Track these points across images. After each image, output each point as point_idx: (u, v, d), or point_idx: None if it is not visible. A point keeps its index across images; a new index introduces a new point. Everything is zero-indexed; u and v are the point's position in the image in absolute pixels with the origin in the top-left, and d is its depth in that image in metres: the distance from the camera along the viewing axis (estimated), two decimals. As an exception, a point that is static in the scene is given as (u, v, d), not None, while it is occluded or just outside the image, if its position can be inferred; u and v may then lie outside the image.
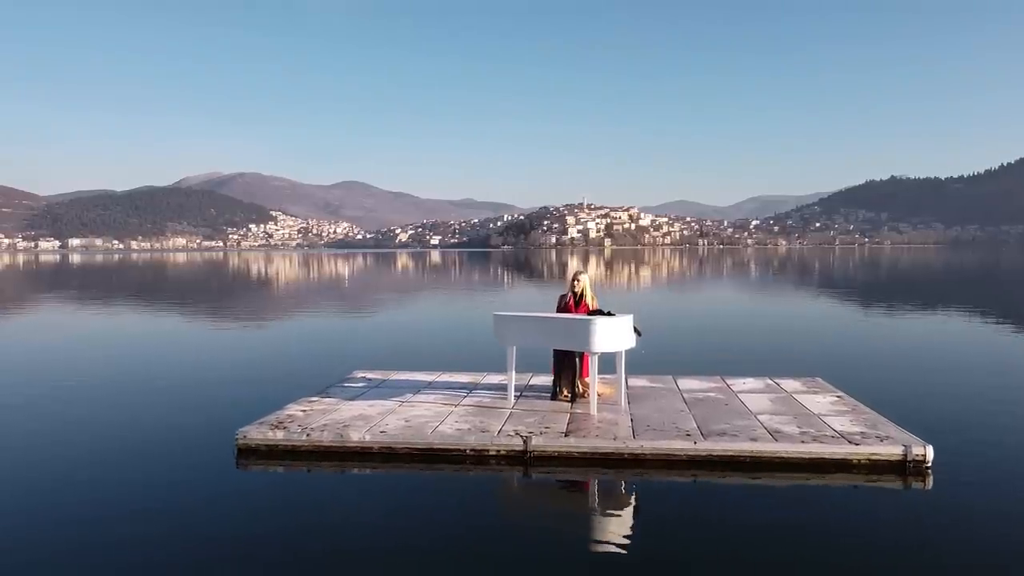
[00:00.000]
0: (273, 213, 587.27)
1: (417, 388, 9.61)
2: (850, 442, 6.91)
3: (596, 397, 8.18)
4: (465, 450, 7.16)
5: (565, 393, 8.87)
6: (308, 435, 7.37)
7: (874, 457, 6.75)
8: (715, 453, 6.88)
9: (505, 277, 58.40)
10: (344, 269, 77.03)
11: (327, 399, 8.94)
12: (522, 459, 7.07)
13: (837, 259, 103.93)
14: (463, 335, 18.78)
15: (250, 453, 7.40)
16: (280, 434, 7.41)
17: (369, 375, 10.55)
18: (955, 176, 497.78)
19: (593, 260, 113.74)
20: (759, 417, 7.86)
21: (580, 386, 8.79)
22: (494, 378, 10.02)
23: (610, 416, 7.96)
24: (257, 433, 7.45)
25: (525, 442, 7.08)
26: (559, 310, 8.99)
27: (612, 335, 7.91)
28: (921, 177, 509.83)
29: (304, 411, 8.27)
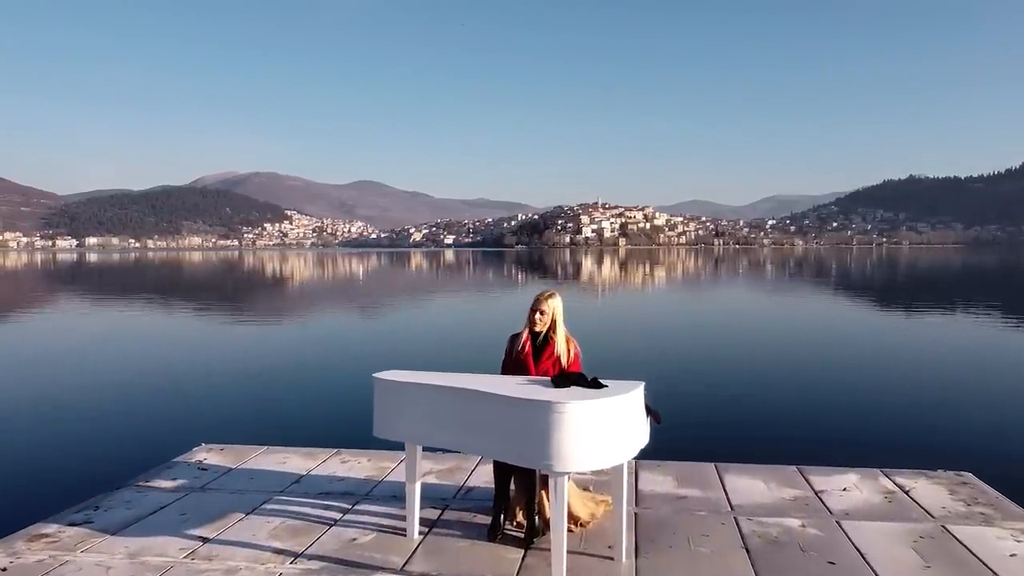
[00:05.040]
0: (288, 212, 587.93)
1: (267, 493, 5.46)
2: None
3: (564, 547, 3.94)
4: None
5: (519, 520, 4.71)
6: None
7: None
8: None
9: (519, 278, 54.33)
10: (357, 269, 73.40)
11: (75, 528, 4.80)
12: None
13: (864, 260, 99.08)
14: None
15: None
16: None
17: (212, 458, 6.41)
18: (975, 175, 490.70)
19: (607, 260, 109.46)
20: (918, 615, 3.63)
21: (544, 510, 4.61)
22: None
23: (595, 610, 3.75)
24: None
25: None
26: (509, 364, 4.78)
27: (601, 436, 3.71)
28: (940, 176, 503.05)
29: (9, 566, 4.14)
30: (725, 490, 5.46)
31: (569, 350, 4.67)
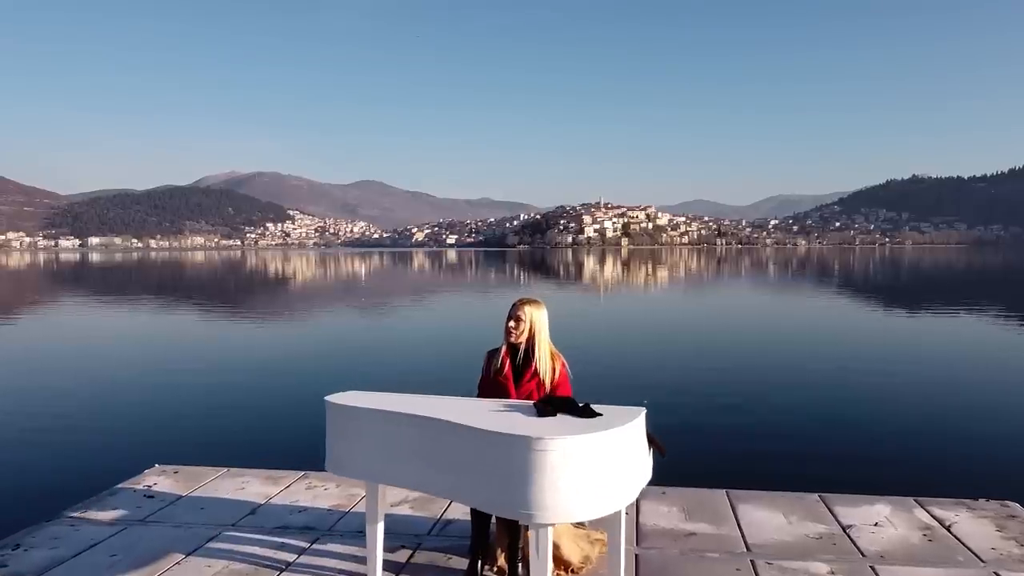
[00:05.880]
0: (291, 212, 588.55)
1: (216, 527, 4.79)
2: None
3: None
4: None
5: (500, 565, 4.03)
6: None
7: None
8: None
9: (520, 278, 53.71)
10: (353, 270, 72.96)
11: (-17, 575, 4.14)
12: None
13: (868, 261, 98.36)
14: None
15: None
16: None
17: (162, 482, 5.73)
18: (978, 175, 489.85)
19: (609, 260, 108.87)
20: None
21: (529, 554, 3.92)
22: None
23: None
24: None
25: None
26: (485, 385, 4.11)
27: (594, 478, 3.03)
28: (943, 176, 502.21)
29: None
30: (739, 524, 4.78)
31: (554, 366, 3.99)
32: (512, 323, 3.93)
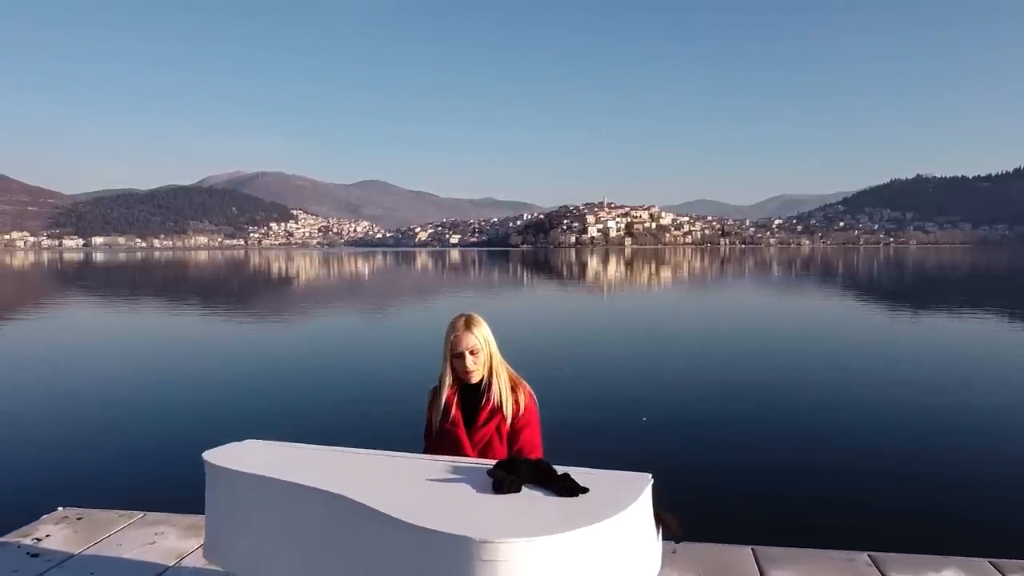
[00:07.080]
0: (294, 212, 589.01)
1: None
2: None
3: None
4: None
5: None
6: None
7: None
8: None
9: (522, 277, 52.60)
10: (348, 270, 72.08)
11: None
12: None
13: (874, 261, 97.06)
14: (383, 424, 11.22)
15: None
16: None
17: (58, 532, 4.67)
18: (982, 175, 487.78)
19: (612, 260, 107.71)
20: None
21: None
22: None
23: None
24: None
25: None
26: (430, 437, 3.02)
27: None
28: (947, 176, 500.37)
29: None
30: (772, 601, 3.71)
31: (518, 401, 2.92)
32: (469, 359, 2.85)
